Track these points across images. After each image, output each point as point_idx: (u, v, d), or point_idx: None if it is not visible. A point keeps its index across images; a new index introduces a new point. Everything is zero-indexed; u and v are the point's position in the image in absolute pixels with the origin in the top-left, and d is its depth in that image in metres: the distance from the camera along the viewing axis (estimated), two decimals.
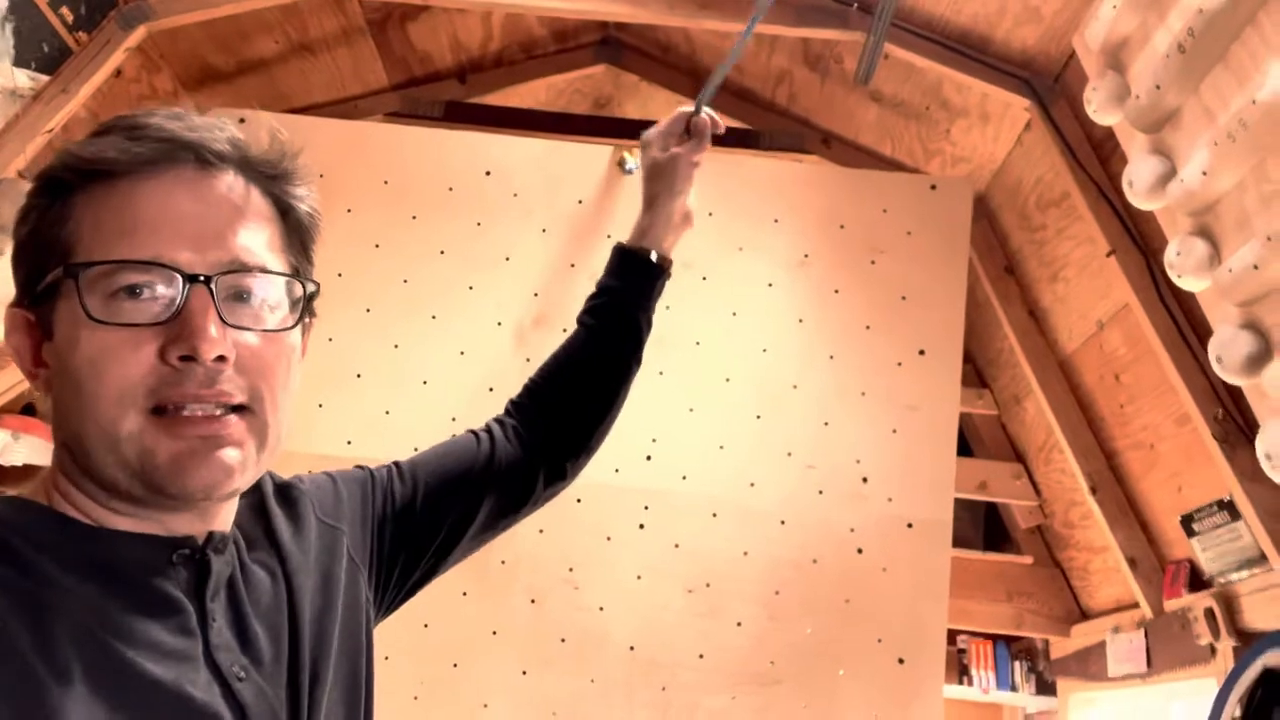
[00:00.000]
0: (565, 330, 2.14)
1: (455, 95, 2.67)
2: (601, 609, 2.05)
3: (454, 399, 2.12)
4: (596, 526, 2.07)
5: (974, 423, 2.85)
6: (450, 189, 2.22)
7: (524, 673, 2.03)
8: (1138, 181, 1.50)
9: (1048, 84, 1.96)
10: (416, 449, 2.14)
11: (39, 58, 1.96)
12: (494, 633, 2.04)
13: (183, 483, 0.54)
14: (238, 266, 0.57)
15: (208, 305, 0.55)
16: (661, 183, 0.99)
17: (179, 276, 0.55)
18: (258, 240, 0.59)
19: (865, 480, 2.10)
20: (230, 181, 0.59)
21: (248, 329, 0.57)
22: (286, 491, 0.71)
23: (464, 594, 2.05)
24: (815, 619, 2.05)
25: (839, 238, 2.19)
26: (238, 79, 2.48)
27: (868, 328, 2.16)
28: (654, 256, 0.99)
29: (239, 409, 0.56)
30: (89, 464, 0.55)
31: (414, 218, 2.20)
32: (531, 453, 0.90)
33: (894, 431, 2.12)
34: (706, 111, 1.05)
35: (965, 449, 2.87)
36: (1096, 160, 1.89)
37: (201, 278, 0.55)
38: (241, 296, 0.58)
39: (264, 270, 0.59)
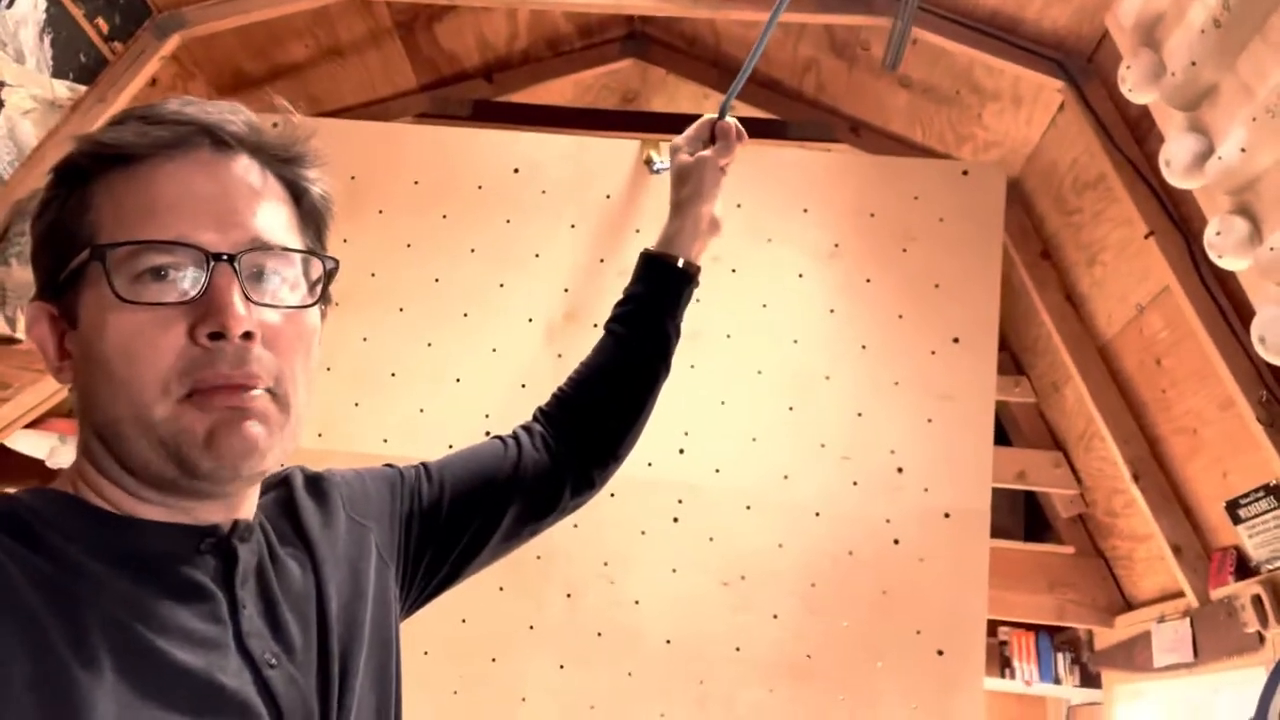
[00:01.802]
0: (596, 325, 2.15)
1: (483, 94, 2.68)
2: (637, 603, 2.05)
3: (487, 396, 2.14)
4: (631, 521, 2.08)
5: (1012, 411, 2.81)
6: (480, 187, 2.23)
7: (561, 667, 2.04)
8: (1175, 160, 1.47)
9: (1081, 64, 1.92)
10: (451, 446, 2.15)
11: (76, 68, 2.00)
12: (531, 627, 2.06)
13: (215, 457, 0.55)
14: (259, 245, 0.58)
15: (233, 283, 0.55)
16: (689, 187, 1.00)
17: (204, 255, 0.55)
18: (276, 221, 0.60)
19: (900, 471, 2.08)
20: (246, 164, 0.60)
21: (271, 306, 0.58)
22: (317, 483, 0.72)
23: (500, 589, 2.07)
24: (852, 611, 2.04)
25: (870, 226, 2.17)
26: (270, 84, 2.52)
27: (900, 317, 2.14)
28: (681, 263, 0.99)
29: (263, 389, 0.57)
30: (121, 449, 0.56)
31: (444, 217, 2.22)
32: (559, 461, 0.91)
33: (929, 421, 2.10)
34: (731, 120, 1.03)
35: (1003, 438, 2.83)
36: (1132, 140, 1.85)
37: (225, 256, 0.55)
38: (263, 275, 0.58)
39: (285, 249, 0.60)
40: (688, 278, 1.00)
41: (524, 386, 2.14)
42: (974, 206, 2.16)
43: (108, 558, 0.54)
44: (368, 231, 2.21)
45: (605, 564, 2.07)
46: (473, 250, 2.20)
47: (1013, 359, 2.78)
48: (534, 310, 2.17)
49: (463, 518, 0.84)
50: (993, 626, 2.82)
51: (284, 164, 0.62)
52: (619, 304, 0.99)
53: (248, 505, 0.63)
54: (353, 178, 2.24)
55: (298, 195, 0.63)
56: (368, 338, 2.17)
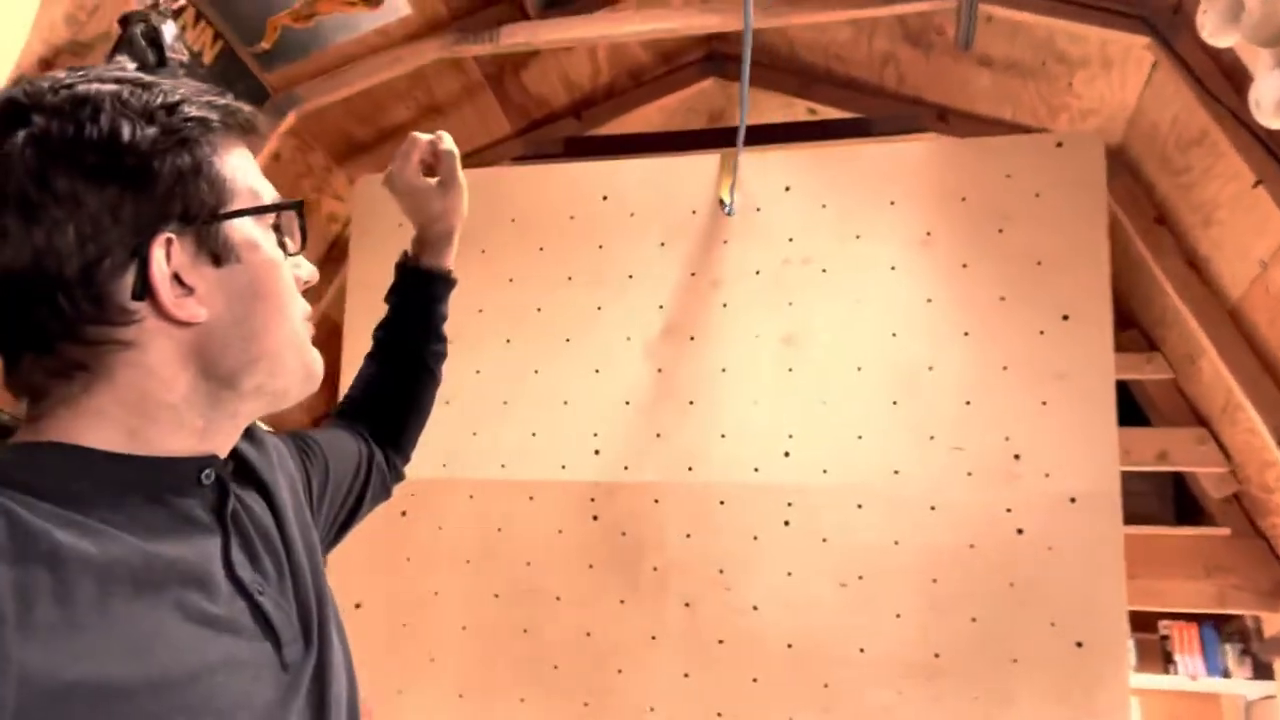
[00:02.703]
0: (693, 338, 2.21)
1: (573, 131, 2.80)
2: (755, 608, 2.06)
3: (594, 416, 2.22)
4: (742, 527, 2.10)
5: (1147, 389, 2.65)
6: (572, 218, 2.33)
7: (686, 675, 2.07)
8: (1264, 100, 1.39)
9: (1166, 18, 1.84)
10: (564, 468, 2.24)
11: None
12: (653, 638, 2.10)
13: (319, 373, 0.69)
14: None
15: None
16: (410, 209, 1.06)
17: (300, 218, 0.68)
18: None
19: (1017, 457, 2.01)
20: None
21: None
22: (250, 430, 0.75)
23: (621, 602, 2.13)
24: (979, 606, 1.98)
25: (961, 211, 2.13)
26: (379, 147, 2.72)
27: (1002, 299, 2.08)
28: (424, 265, 1.05)
29: None
30: (274, 373, 0.65)
31: (541, 249, 2.33)
32: (390, 446, 1.02)
33: (1044, 404, 2.03)
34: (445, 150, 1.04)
35: (1141, 418, 2.67)
36: (1230, 89, 1.75)
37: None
38: None
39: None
40: (437, 277, 1.05)
41: (628, 403, 2.21)
42: (1072, 178, 2.08)
43: (108, 494, 0.56)
44: (472, 272, 2.34)
45: (720, 571, 2.09)
46: (570, 278, 2.30)
47: (1143, 334, 2.63)
48: (631, 329, 2.24)
49: (339, 497, 0.92)
50: (1151, 620, 2.65)
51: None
52: (389, 320, 1.07)
53: (234, 442, 0.69)
54: None
55: None
56: (480, 370, 2.30)
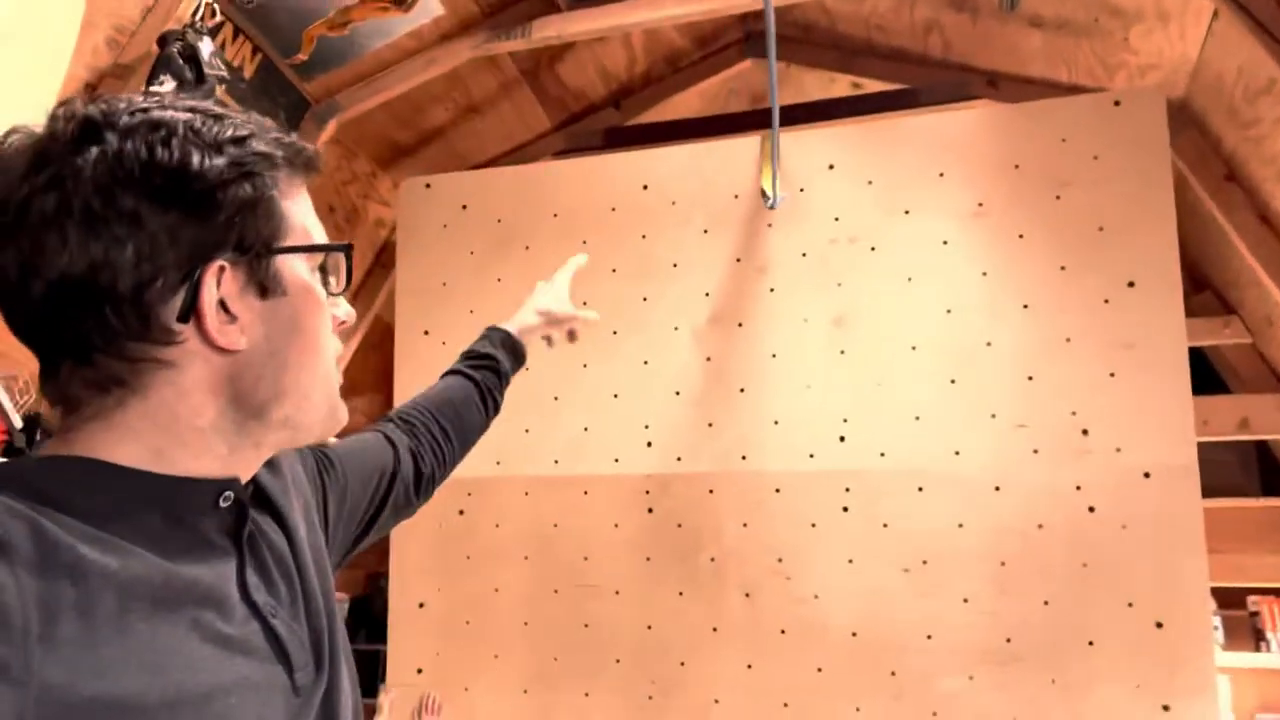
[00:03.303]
0: (741, 325, 2.17)
1: (613, 122, 2.78)
2: (817, 597, 2.02)
3: (645, 407, 2.20)
4: (799, 515, 2.06)
5: (1225, 355, 2.52)
6: (613, 209, 2.31)
7: (749, 666, 2.04)
8: None
9: None
10: (617, 460, 2.22)
11: None
12: (714, 629, 2.08)
13: (342, 416, 0.68)
14: None
15: None
16: (546, 316, 1.24)
17: (347, 261, 0.68)
18: None
19: (1085, 432, 1.94)
20: None
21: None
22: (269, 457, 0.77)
23: (680, 594, 2.11)
24: (1050, 588, 1.91)
25: (1015, 179, 2.05)
26: (421, 150, 2.74)
27: (1062, 268, 2.00)
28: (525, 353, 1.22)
29: None
30: (301, 407, 0.65)
31: (584, 243, 2.31)
32: (417, 466, 1.02)
33: (1111, 375, 1.94)
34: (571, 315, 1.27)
35: (1220, 385, 2.55)
36: None
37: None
38: None
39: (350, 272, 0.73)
40: (523, 361, 1.21)
41: (678, 393, 2.18)
42: (1133, 137, 1.99)
43: (129, 514, 0.57)
44: (518, 268, 2.34)
45: (779, 560, 2.06)
46: (614, 270, 2.28)
47: (1218, 297, 2.51)
48: (678, 318, 2.21)
49: (360, 507, 0.93)
50: (1239, 596, 2.53)
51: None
52: (483, 363, 1.16)
53: (256, 469, 0.70)
54: (499, 221, 2.40)
55: None
56: (529, 367, 2.27)
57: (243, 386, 0.62)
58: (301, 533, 0.73)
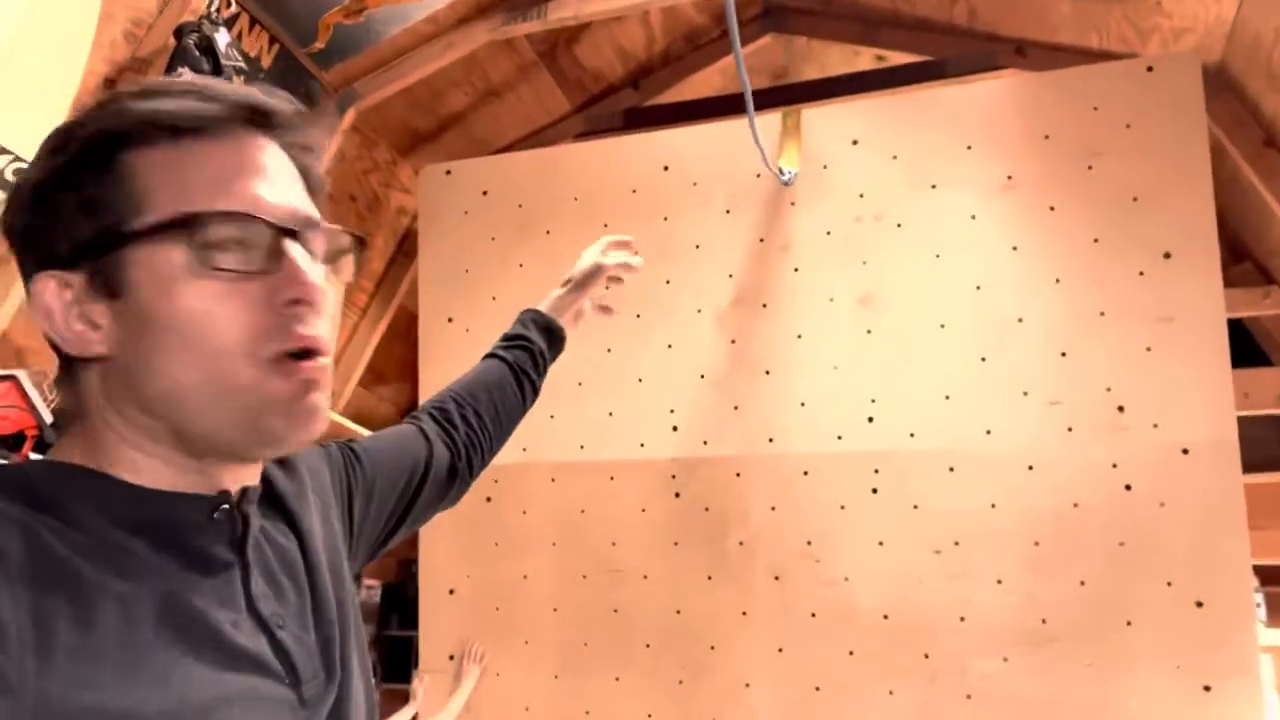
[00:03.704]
0: (765, 306, 2.14)
1: (632, 103, 2.75)
2: (847, 579, 2.00)
3: (669, 391, 2.18)
4: (828, 497, 2.03)
5: (1265, 326, 2.45)
6: (634, 191, 2.29)
7: (780, 650, 2.03)
8: None
9: None
10: (643, 445, 2.20)
11: None
12: (744, 613, 2.06)
13: (293, 425, 0.57)
14: (312, 222, 0.60)
15: (303, 255, 0.57)
16: (587, 288, 1.18)
17: (275, 228, 0.57)
18: (306, 199, 0.62)
19: (1121, 409, 1.89)
20: (276, 148, 0.61)
21: (328, 278, 0.60)
22: (282, 456, 0.73)
23: (709, 577, 2.10)
24: (1086, 568, 1.87)
25: (1045, 150, 2.00)
26: (441, 136, 2.72)
27: (1095, 241, 1.94)
28: (563, 330, 1.16)
29: (324, 355, 0.59)
30: (183, 417, 0.56)
31: (605, 226, 2.29)
32: (454, 458, 0.98)
33: (1148, 350, 1.89)
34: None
35: (1260, 358, 2.48)
36: None
37: (291, 229, 0.58)
38: (314, 250, 0.60)
39: (330, 227, 0.61)
40: (562, 341, 1.16)
41: (703, 377, 2.16)
42: (1167, 104, 1.93)
43: (127, 525, 0.55)
44: (539, 253, 2.32)
45: (808, 543, 2.04)
46: (635, 253, 2.25)
47: (1258, 267, 2.43)
48: (702, 301, 2.19)
49: (390, 502, 0.89)
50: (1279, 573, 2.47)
51: (303, 152, 0.64)
52: (514, 343, 1.11)
53: (255, 473, 0.64)
54: (520, 206, 2.38)
55: (304, 173, 0.64)
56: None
57: (130, 396, 0.57)
58: (316, 537, 0.70)
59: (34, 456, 1.60)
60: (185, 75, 1.77)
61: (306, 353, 0.58)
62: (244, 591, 0.60)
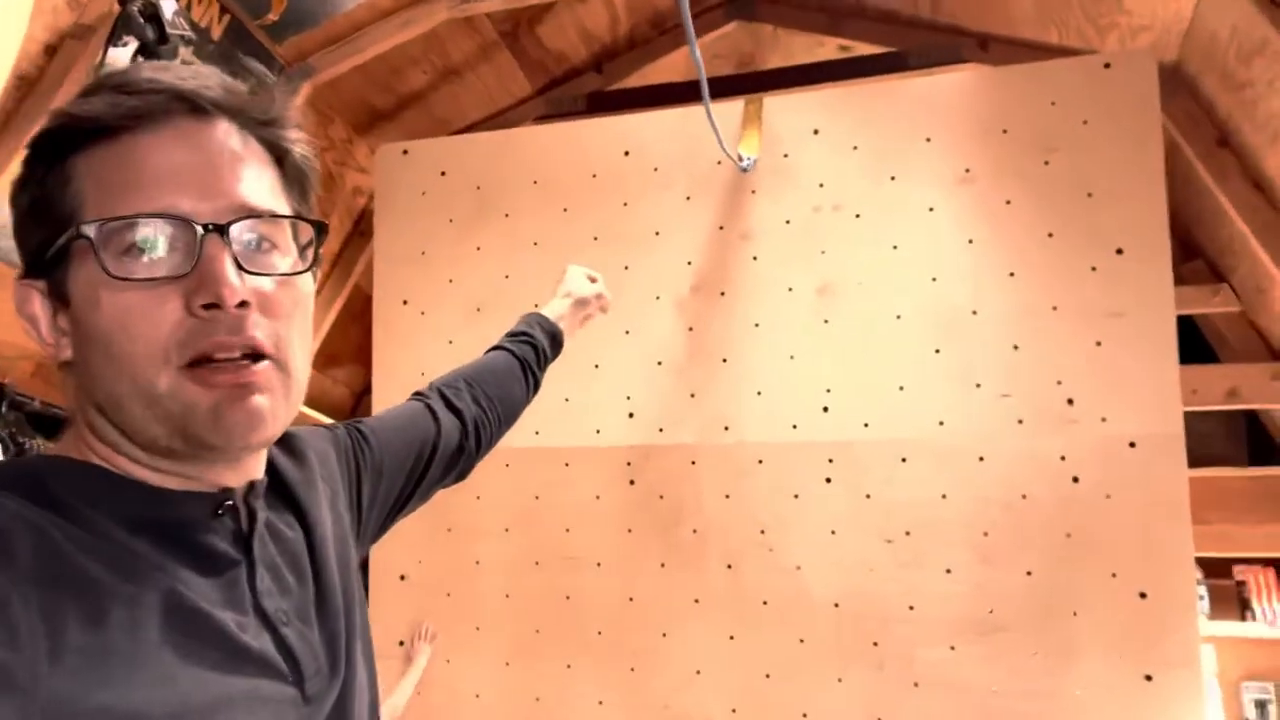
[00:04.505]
0: (723, 294, 2.14)
1: (595, 86, 2.72)
2: (799, 568, 2.01)
3: (626, 378, 2.16)
4: (782, 486, 2.04)
5: (1215, 324, 2.50)
6: (594, 176, 2.26)
7: (731, 638, 2.03)
8: None
9: None
10: (599, 432, 2.19)
11: None
12: (696, 601, 2.06)
13: (223, 432, 0.55)
14: (246, 213, 0.57)
15: (224, 252, 0.54)
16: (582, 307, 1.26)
17: (194, 227, 0.54)
18: (261, 186, 0.59)
19: (1071, 402, 1.91)
20: (225, 129, 0.58)
21: (264, 274, 0.57)
22: (291, 442, 0.73)
23: (662, 565, 2.09)
24: (1034, 558, 1.89)
25: (1003, 144, 2.01)
26: (400, 115, 2.67)
27: (1050, 235, 1.96)
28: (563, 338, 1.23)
29: (265, 357, 0.56)
30: (126, 423, 0.56)
31: (565, 210, 2.27)
32: (462, 437, 0.99)
33: (1098, 344, 1.91)
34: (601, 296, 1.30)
35: (1209, 354, 2.52)
36: None
37: (211, 226, 0.55)
38: (254, 244, 0.57)
39: (273, 215, 0.58)
40: (561, 347, 1.22)
41: (660, 363, 2.15)
42: (1123, 101, 1.94)
43: (132, 524, 0.55)
44: (498, 236, 2.30)
45: (761, 532, 2.04)
46: (595, 238, 2.24)
47: (1209, 266, 2.47)
48: (660, 287, 2.18)
49: (398, 481, 0.90)
50: (1226, 566, 2.53)
51: (264, 126, 0.60)
52: (520, 339, 1.16)
53: (258, 465, 0.63)
54: (478, 188, 2.35)
55: (280, 157, 0.62)
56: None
57: (90, 401, 0.58)
58: (325, 526, 0.69)
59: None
60: (130, 44, 1.72)
61: (250, 355, 0.55)
62: (249, 589, 0.59)
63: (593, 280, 1.30)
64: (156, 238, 0.54)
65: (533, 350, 1.13)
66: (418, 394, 1.01)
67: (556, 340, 1.19)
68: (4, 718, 0.45)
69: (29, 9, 1.68)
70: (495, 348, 1.13)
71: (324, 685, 0.62)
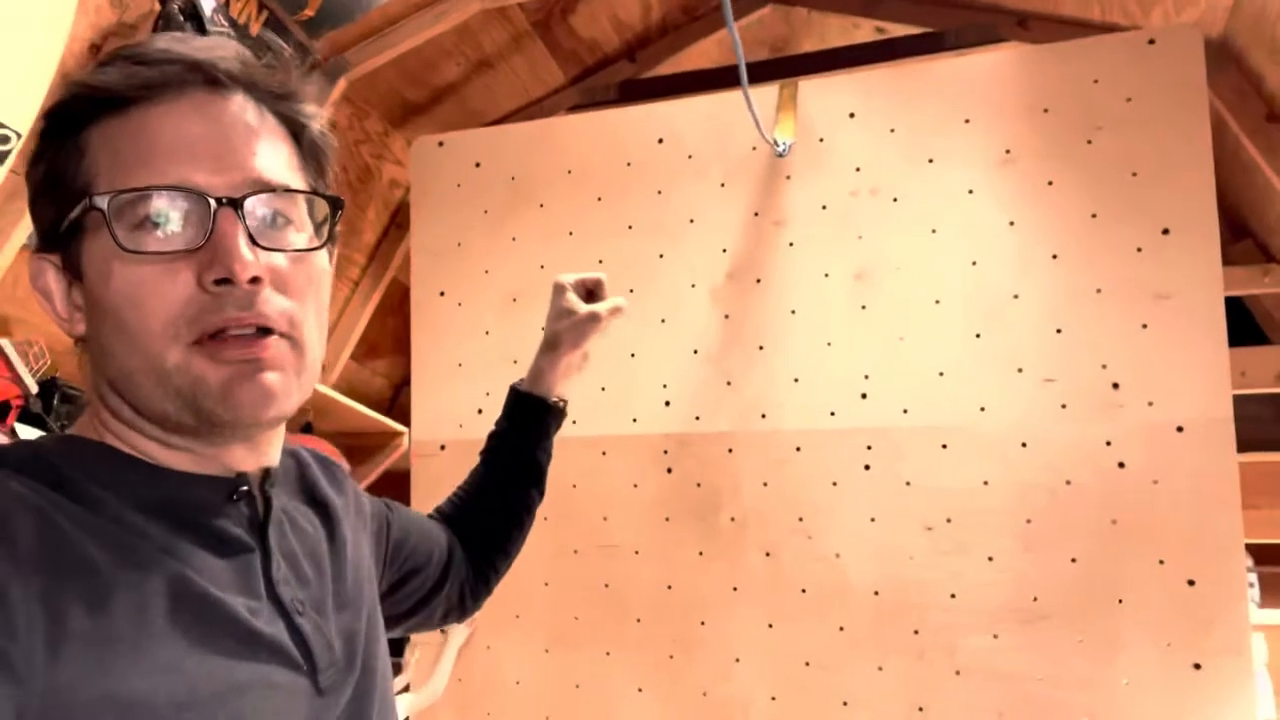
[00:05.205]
0: (759, 281, 2.12)
1: (628, 74, 2.71)
2: (838, 556, 1.99)
3: (662, 366, 2.16)
4: (820, 473, 2.02)
5: (1264, 305, 2.43)
6: (628, 164, 2.26)
7: (770, 626, 2.02)
8: None
9: None
10: (635, 420, 2.19)
11: None
12: (734, 589, 2.06)
13: (232, 408, 0.54)
14: (261, 187, 0.56)
15: (238, 227, 0.54)
16: (567, 329, 1.03)
17: (207, 200, 0.53)
18: (277, 160, 0.58)
19: (1116, 386, 1.87)
20: (241, 102, 0.57)
21: (278, 250, 0.56)
22: (330, 466, 0.73)
23: (700, 553, 2.09)
24: (1078, 545, 1.86)
25: (1044, 124, 1.97)
26: (434, 108, 2.69)
27: (1093, 216, 1.92)
28: (551, 400, 1.04)
29: (277, 334, 0.56)
30: (138, 399, 0.55)
31: (599, 199, 2.27)
32: (470, 592, 0.96)
33: (1144, 327, 1.87)
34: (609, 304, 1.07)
35: (1259, 336, 2.46)
36: None
37: (225, 200, 0.54)
38: (268, 219, 0.57)
39: (287, 189, 0.58)
40: (558, 413, 1.04)
41: (696, 352, 2.14)
42: (1168, 78, 1.90)
43: (144, 507, 0.54)
44: (532, 227, 2.30)
45: (800, 519, 2.03)
46: (630, 227, 2.23)
47: (1259, 245, 2.41)
48: (696, 275, 2.17)
49: (410, 575, 0.86)
50: (1277, 552, 2.47)
51: (280, 100, 0.60)
52: (491, 436, 1.02)
53: (274, 450, 0.63)
54: (513, 178, 2.35)
55: (296, 133, 0.61)
56: (545, 327, 2.26)
57: (104, 377, 0.57)
58: (348, 535, 0.69)
59: (19, 427, 1.59)
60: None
61: (260, 330, 0.54)
62: (264, 576, 0.58)
63: (590, 288, 1.11)
64: (169, 211, 0.54)
65: (509, 460, 1.03)
66: (434, 512, 0.99)
67: (547, 413, 1.04)
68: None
69: (73, 9, 1.71)
70: (485, 471, 1.02)
71: (339, 679, 0.60)
